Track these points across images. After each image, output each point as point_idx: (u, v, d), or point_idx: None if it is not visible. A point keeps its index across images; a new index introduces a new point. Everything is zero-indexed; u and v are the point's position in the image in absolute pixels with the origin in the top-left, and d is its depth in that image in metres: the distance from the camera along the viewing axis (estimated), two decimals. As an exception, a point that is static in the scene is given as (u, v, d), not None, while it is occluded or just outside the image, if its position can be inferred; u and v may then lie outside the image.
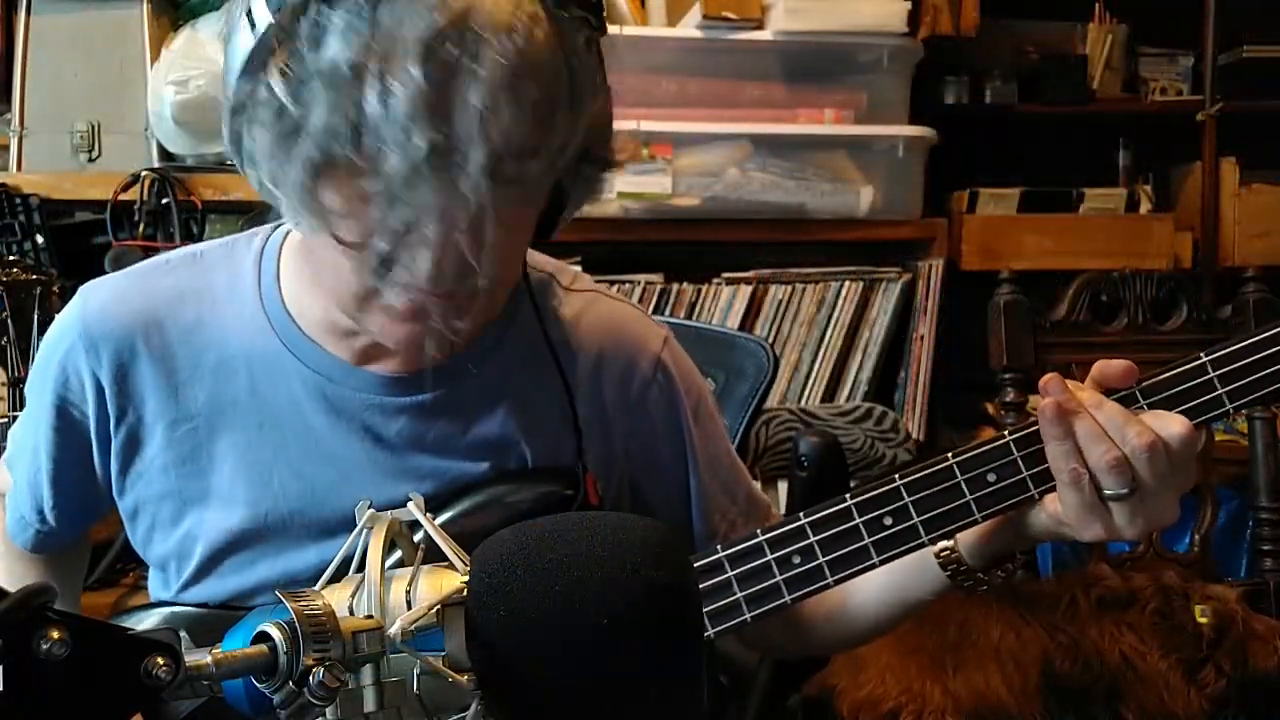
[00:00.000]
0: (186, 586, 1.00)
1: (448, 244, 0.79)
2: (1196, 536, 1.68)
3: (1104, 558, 1.62)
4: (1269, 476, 1.67)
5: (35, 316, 1.90)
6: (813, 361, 2.45)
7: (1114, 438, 0.87)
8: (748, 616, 0.97)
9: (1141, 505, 0.89)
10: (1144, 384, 0.93)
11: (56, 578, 1.11)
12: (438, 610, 0.63)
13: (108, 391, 0.97)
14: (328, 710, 0.61)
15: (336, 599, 0.64)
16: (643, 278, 2.39)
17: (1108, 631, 1.40)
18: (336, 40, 0.75)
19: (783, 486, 2.17)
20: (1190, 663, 1.39)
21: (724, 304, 2.43)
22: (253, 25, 0.78)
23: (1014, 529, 0.96)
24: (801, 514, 0.96)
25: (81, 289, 1.01)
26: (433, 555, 0.69)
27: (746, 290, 2.44)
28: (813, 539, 0.96)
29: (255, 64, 0.78)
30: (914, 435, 2.43)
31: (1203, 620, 1.42)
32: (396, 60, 0.74)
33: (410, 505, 0.72)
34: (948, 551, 0.98)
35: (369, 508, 0.71)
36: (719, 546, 0.97)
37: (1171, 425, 0.87)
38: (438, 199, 0.76)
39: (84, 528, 1.13)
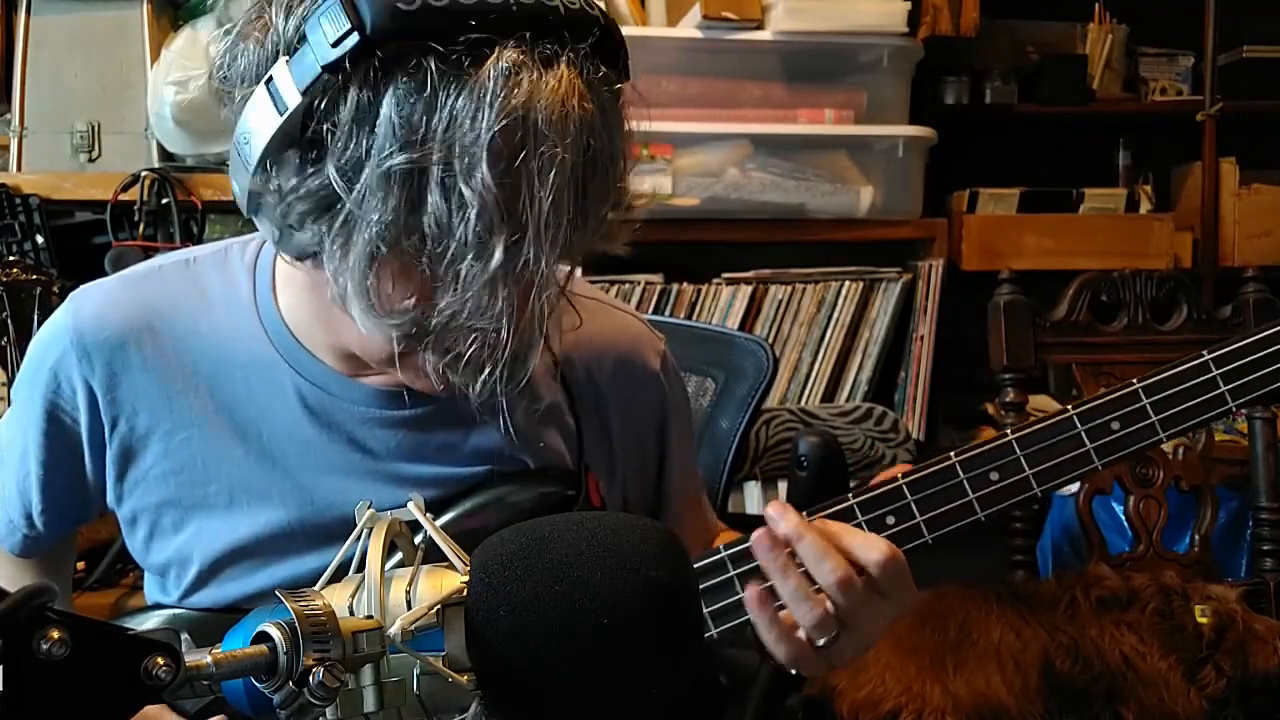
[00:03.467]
0: (187, 594, 0.99)
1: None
2: (1196, 536, 1.68)
3: (1104, 558, 1.63)
4: (1269, 476, 1.66)
5: (35, 316, 1.90)
6: (813, 361, 2.45)
7: (812, 572, 0.86)
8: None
9: (849, 640, 0.87)
10: (1146, 382, 0.93)
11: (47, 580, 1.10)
12: (438, 610, 0.63)
13: (100, 399, 0.96)
14: (328, 710, 0.61)
15: (336, 599, 0.64)
16: (643, 278, 2.39)
17: (1108, 631, 1.40)
18: (388, 134, 0.73)
19: (782, 486, 2.17)
20: (1190, 663, 1.39)
21: (724, 304, 2.43)
22: (275, 100, 0.76)
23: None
24: (804, 513, 0.96)
25: (72, 295, 1.00)
26: (433, 556, 0.69)
27: (746, 290, 2.44)
28: None
29: (285, 143, 0.76)
30: (914, 435, 2.43)
31: (1203, 620, 1.42)
32: (462, 161, 0.73)
33: (410, 505, 0.72)
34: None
35: (369, 508, 0.71)
36: (721, 546, 0.98)
37: (871, 552, 0.86)
38: (504, 292, 0.76)
39: (70, 532, 1.12)
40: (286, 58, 0.76)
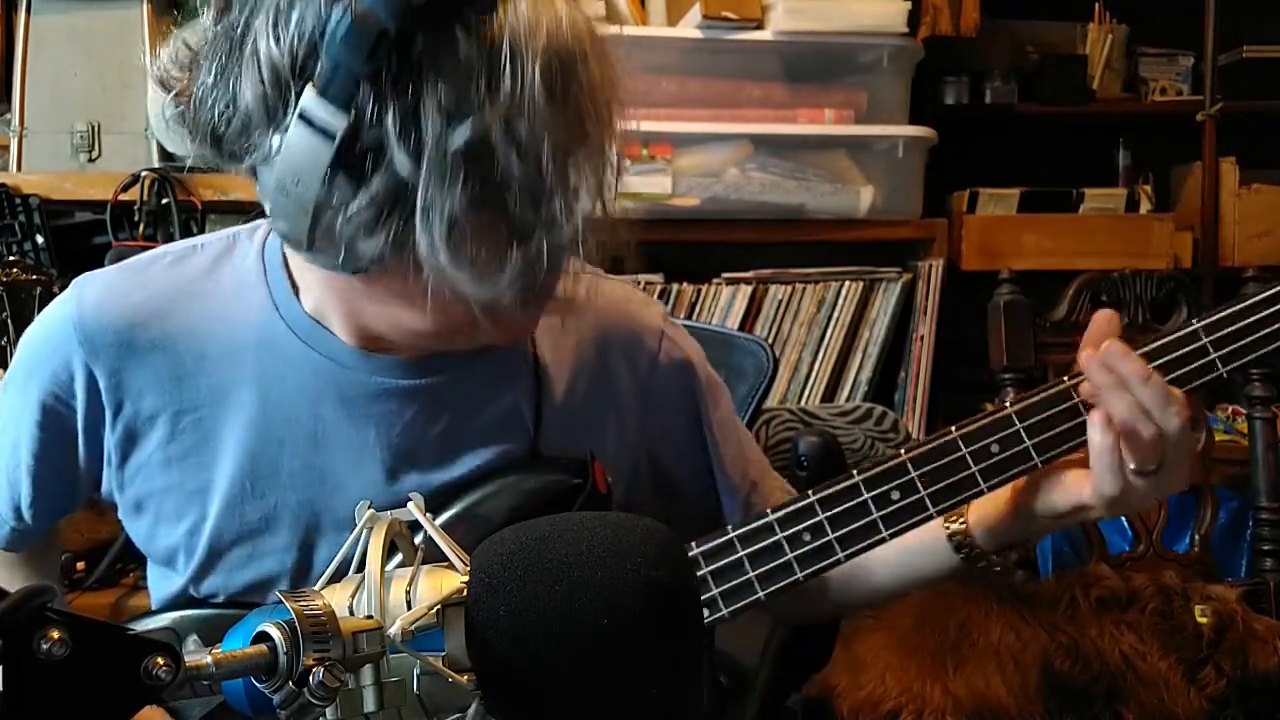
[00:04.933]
0: (194, 579, 0.99)
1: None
2: (1196, 536, 1.68)
3: (1104, 558, 1.62)
4: (1269, 476, 1.66)
5: (35, 316, 1.89)
6: (813, 361, 2.45)
7: (1156, 417, 0.90)
8: (761, 595, 0.98)
9: (1162, 475, 0.92)
10: (1139, 351, 0.95)
11: (33, 576, 1.10)
12: (438, 610, 0.63)
13: (103, 386, 0.96)
14: (328, 710, 0.61)
15: (336, 599, 0.64)
16: (643, 278, 2.39)
17: (1108, 631, 1.39)
18: (439, 115, 0.74)
19: (783, 486, 2.17)
20: (1190, 663, 1.39)
21: (724, 304, 2.43)
22: (317, 130, 0.74)
23: (1026, 512, 0.98)
24: (810, 491, 0.97)
25: (75, 282, 1.00)
26: (433, 555, 0.69)
27: (746, 290, 2.44)
28: (822, 516, 0.97)
29: (338, 164, 0.75)
30: (914, 435, 2.43)
31: (1203, 620, 1.42)
32: (519, 109, 0.74)
33: (410, 505, 0.72)
34: (960, 534, 0.99)
35: (369, 508, 0.71)
36: (729, 527, 0.98)
37: (1189, 406, 0.92)
38: (587, 206, 0.78)
39: (53, 524, 1.11)
40: (311, 85, 0.74)
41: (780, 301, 2.44)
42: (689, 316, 2.40)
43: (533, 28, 0.75)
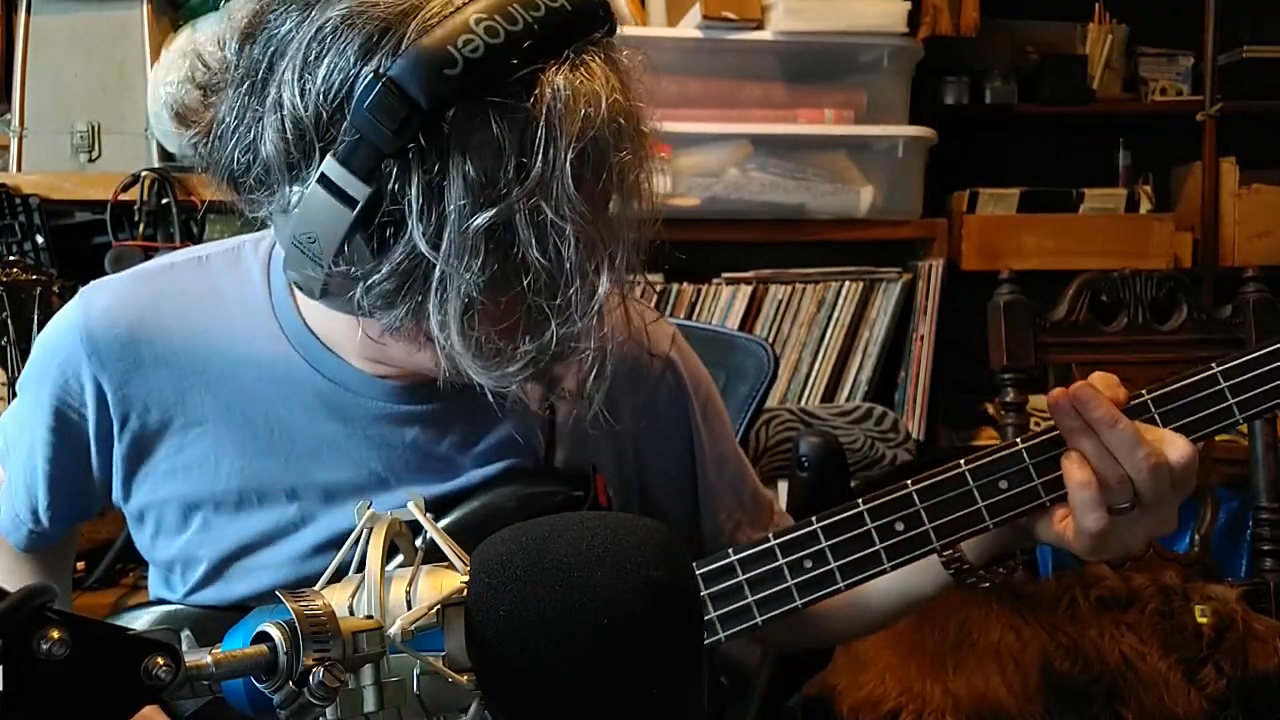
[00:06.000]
0: (193, 590, 0.99)
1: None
2: (1196, 536, 1.68)
3: (1104, 558, 1.62)
4: (1269, 476, 1.66)
5: (35, 316, 1.90)
6: (813, 361, 2.45)
7: (1122, 460, 0.90)
8: (759, 620, 0.97)
9: (1141, 517, 0.93)
10: (1155, 393, 0.95)
11: (48, 577, 1.10)
12: (438, 610, 0.63)
13: (110, 396, 0.96)
14: (328, 710, 0.61)
15: (336, 599, 0.64)
16: (642, 278, 2.39)
17: (1108, 631, 1.39)
18: (465, 194, 0.71)
19: (783, 486, 2.17)
20: (1190, 663, 1.39)
21: (724, 304, 2.43)
22: (338, 195, 0.73)
23: (1018, 532, 0.97)
24: (814, 518, 0.97)
25: (82, 290, 0.99)
26: (433, 556, 0.69)
27: (746, 290, 2.44)
28: (824, 544, 0.96)
29: (356, 231, 0.74)
30: (914, 435, 2.43)
31: (1203, 620, 1.42)
32: (546, 197, 0.72)
33: (410, 505, 0.72)
34: (950, 550, 0.98)
35: (369, 508, 0.71)
36: (730, 550, 0.98)
37: (1173, 449, 0.92)
38: (608, 306, 0.78)
39: (72, 527, 1.12)
40: (333, 153, 0.73)
41: (780, 301, 2.44)
42: (689, 316, 2.40)
43: (570, 109, 0.72)
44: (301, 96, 0.74)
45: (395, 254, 0.74)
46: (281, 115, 0.74)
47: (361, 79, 0.72)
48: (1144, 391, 0.95)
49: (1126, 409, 0.92)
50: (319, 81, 0.73)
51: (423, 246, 0.73)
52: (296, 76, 0.74)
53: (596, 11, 0.76)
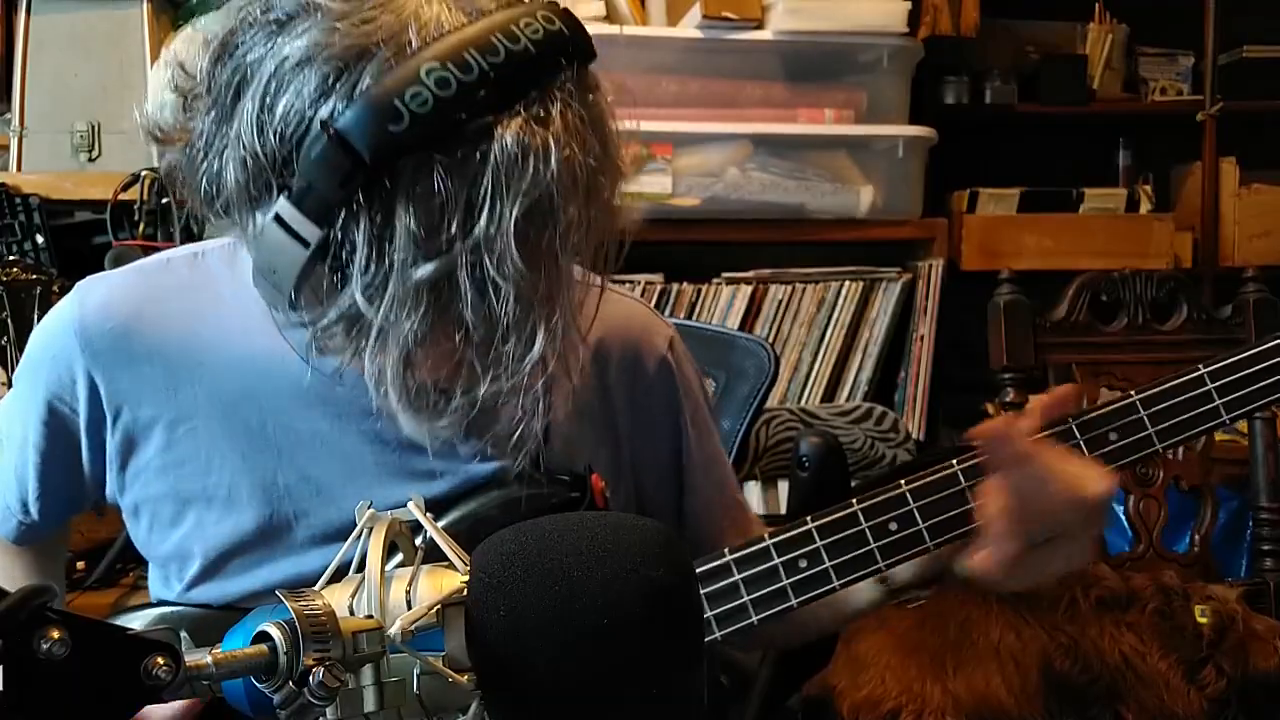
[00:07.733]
0: (189, 588, 0.99)
1: None
2: (1196, 536, 1.68)
3: (1104, 558, 1.62)
4: (1269, 476, 1.66)
5: (35, 316, 1.90)
6: (813, 361, 2.45)
7: (1036, 492, 0.90)
8: (754, 619, 0.98)
9: (1053, 550, 0.91)
10: (1143, 394, 0.95)
11: (40, 571, 1.10)
12: (438, 610, 0.63)
13: (102, 390, 0.96)
14: (328, 710, 0.61)
15: (336, 599, 0.64)
16: (643, 278, 2.39)
17: (1108, 631, 1.39)
18: (409, 245, 0.71)
19: (783, 486, 2.17)
20: (1190, 663, 1.39)
21: (724, 304, 2.43)
22: (292, 234, 0.73)
23: (941, 563, 0.98)
24: (809, 518, 0.97)
25: (79, 285, 1.00)
26: (433, 555, 0.69)
27: (746, 290, 2.44)
28: (819, 543, 0.96)
29: (309, 270, 0.75)
30: (914, 435, 2.43)
31: (1203, 620, 1.42)
32: (489, 252, 0.71)
33: (410, 505, 0.72)
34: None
35: (369, 508, 0.71)
36: (726, 550, 0.98)
37: (1088, 485, 0.90)
38: (548, 363, 0.77)
39: (64, 522, 1.12)
40: (287, 194, 0.73)
41: (780, 301, 2.44)
42: (689, 316, 2.40)
43: (517, 167, 0.71)
44: (259, 134, 0.74)
45: (342, 300, 0.75)
46: (242, 150, 0.75)
47: (315, 126, 0.72)
48: (1132, 393, 0.96)
49: (1115, 402, 0.92)
50: (276, 119, 0.73)
51: (362, 300, 0.73)
52: (257, 110, 0.74)
53: (564, 51, 0.75)
